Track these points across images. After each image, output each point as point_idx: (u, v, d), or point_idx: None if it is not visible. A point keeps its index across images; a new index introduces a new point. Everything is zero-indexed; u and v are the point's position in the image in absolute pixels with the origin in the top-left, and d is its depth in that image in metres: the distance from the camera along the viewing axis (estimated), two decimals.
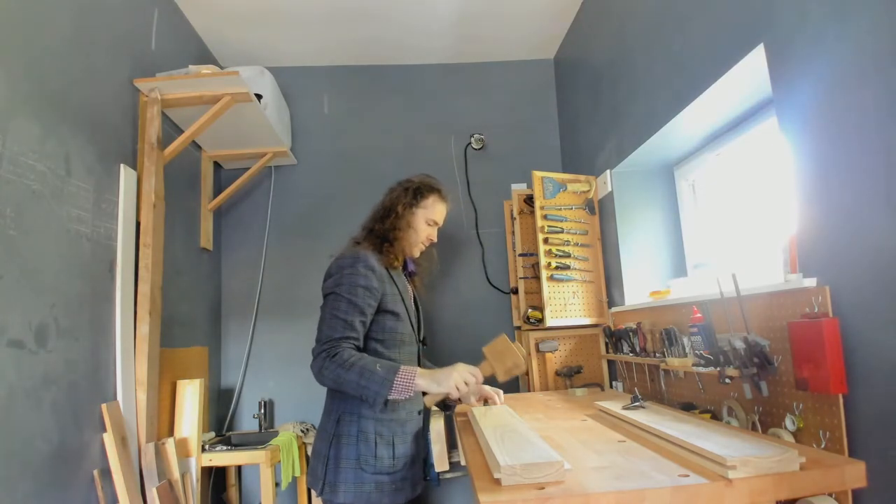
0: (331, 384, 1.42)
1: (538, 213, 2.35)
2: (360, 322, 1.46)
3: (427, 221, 1.68)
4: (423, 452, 1.61)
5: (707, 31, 1.59)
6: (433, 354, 1.99)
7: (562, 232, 2.37)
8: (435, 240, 1.74)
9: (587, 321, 2.34)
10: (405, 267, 1.69)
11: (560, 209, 2.39)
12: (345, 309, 1.43)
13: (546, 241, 2.34)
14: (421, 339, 1.69)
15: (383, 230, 1.62)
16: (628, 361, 2.11)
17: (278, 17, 2.64)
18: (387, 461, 1.44)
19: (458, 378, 1.43)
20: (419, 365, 1.62)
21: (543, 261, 2.31)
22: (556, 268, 2.32)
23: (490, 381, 1.60)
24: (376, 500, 1.41)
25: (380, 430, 1.46)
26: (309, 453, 2.61)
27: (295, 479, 2.44)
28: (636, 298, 2.20)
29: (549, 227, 2.35)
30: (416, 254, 1.71)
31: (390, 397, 1.37)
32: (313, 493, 1.52)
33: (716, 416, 1.55)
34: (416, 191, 1.67)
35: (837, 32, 1.11)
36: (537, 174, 2.39)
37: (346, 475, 1.41)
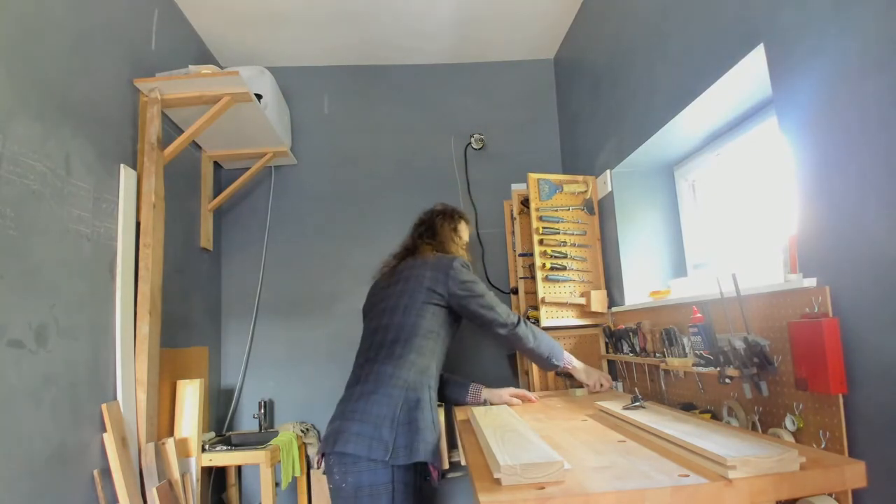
0: (531, 341, 1.86)
1: (533, 214, 2.34)
2: None
3: (463, 246, 2.09)
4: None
5: (707, 31, 1.58)
6: None
7: (558, 233, 2.36)
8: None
9: (584, 322, 2.34)
10: None
11: (556, 210, 2.39)
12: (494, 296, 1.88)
13: (541, 242, 2.34)
14: None
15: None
16: (628, 361, 2.11)
17: (278, 17, 2.64)
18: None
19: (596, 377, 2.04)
20: None
21: (539, 262, 2.31)
22: (552, 268, 2.32)
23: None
24: (439, 456, 1.59)
25: (434, 398, 1.69)
26: (309, 453, 2.61)
27: (295, 479, 2.45)
28: (636, 298, 2.20)
29: (544, 227, 2.35)
30: None
31: (560, 363, 1.93)
32: (345, 470, 1.51)
33: (716, 416, 1.55)
34: (455, 218, 2.13)
35: (838, 32, 1.11)
36: (532, 176, 2.39)
37: (426, 435, 1.54)
